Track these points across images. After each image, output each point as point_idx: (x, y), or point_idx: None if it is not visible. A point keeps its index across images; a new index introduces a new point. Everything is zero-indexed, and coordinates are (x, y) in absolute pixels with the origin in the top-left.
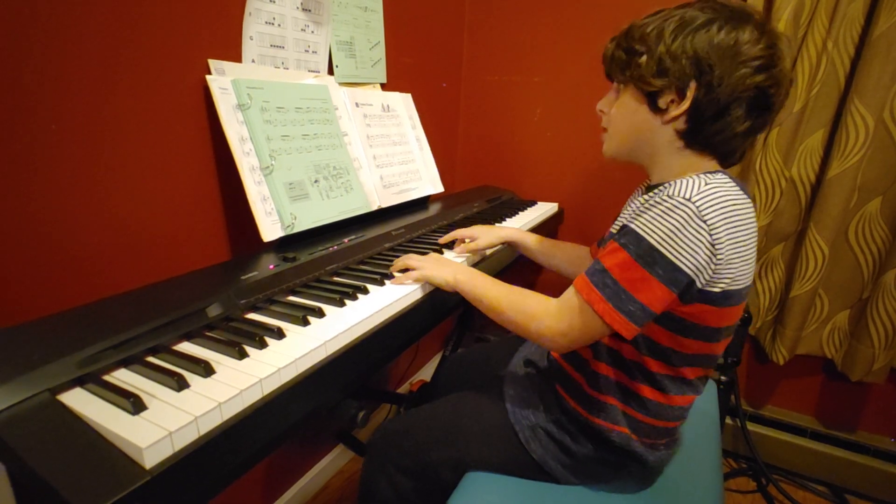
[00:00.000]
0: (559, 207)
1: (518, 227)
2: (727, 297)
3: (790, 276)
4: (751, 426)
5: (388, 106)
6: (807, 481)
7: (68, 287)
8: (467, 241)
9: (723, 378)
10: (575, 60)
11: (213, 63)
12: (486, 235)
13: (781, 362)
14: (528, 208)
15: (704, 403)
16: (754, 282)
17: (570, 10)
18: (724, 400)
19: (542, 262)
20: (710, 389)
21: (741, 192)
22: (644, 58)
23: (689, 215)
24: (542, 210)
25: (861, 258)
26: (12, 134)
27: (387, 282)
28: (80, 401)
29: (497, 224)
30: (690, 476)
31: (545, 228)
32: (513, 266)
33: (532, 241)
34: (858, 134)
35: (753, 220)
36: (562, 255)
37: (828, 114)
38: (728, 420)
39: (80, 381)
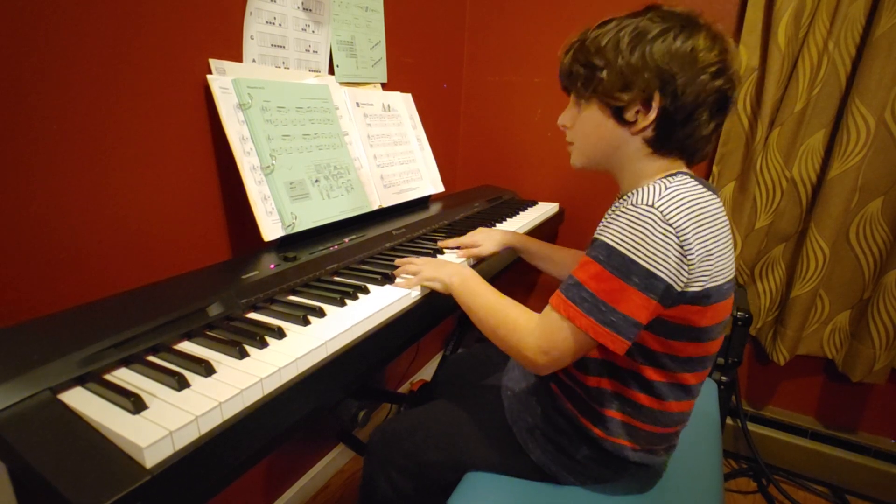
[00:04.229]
0: (559, 207)
1: (519, 226)
2: (708, 296)
3: (791, 276)
4: (751, 426)
5: (388, 106)
6: (807, 482)
7: (69, 286)
8: (469, 248)
9: (723, 378)
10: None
11: (213, 63)
12: (488, 243)
13: (782, 363)
14: (529, 208)
15: (705, 404)
16: (755, 282)
17: (571, 10)
18: (724, 400)
19: (541, 267)
20: (711, 390)
21: (704, 190)
22: (605, 72)
23: (654, 221)
24: (543, 210)
25: (862, 258)
26: (13, 133)
27: (387, 282)
28: (80, 400)
29: (498, 224)
30: (691, 476)
31: (546, 228)
32: (512, 267)
33: (533, 246)
34: (859, 134)
35: (721, 215)
36: (561, 259)
37: (829, 114)
38: (729, 420)
39: (80, 381)
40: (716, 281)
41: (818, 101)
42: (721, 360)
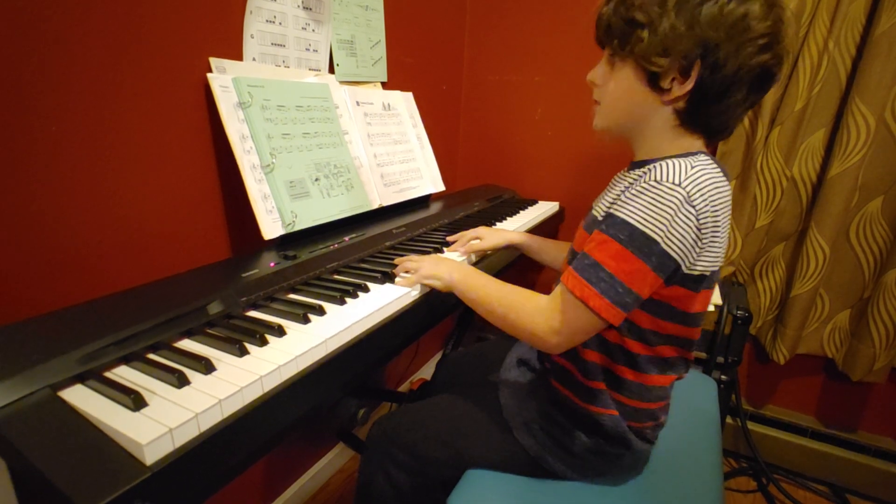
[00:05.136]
0: (560, 206)
1: (519, 225)
2: (702, 279)
3: (791, 275)
4: (751, 426)
5: (388, 104)
6: (807, 481)
7: (70, 284)
8: (472, 241)
9: (723, 377)
10: (576, 60)
11: (214, 61)
12: (491, 237)
13: (782, 362)
14: (529, 207)
15: (705, 403)
16: (755, 281)
17: (571, 9)
18: (724, 399)
19: (546, 263)
20: (711, 389)
21: (721, 174)
22: (646, 32)
23: (679, 201)
24: (543, 209)
25: (862, 258)
26: (14, 132)
27: (387, 280)
28: (80, 397)
29: (498, 223)
30: (691, 476)
31: (546, 227)
32: (513, 265)
33: (536, 243)
34: (860, 133)
35: (730, 201)
36: (563, 254)
37: (829, 113)
38: (729, 420)
39: (80, 378)
40: (714, 266)
41: (818, 101)
42: (721, 359)
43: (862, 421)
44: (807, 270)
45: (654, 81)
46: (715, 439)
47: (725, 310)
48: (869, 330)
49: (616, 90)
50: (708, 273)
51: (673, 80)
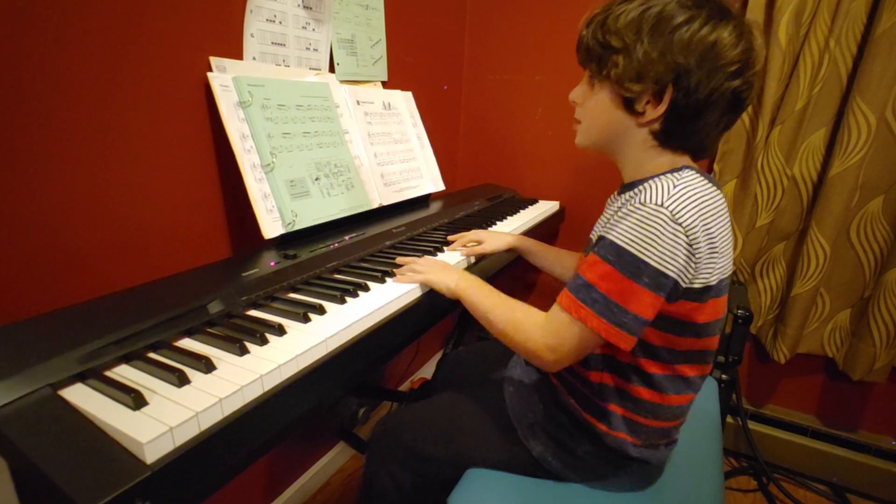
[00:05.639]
0: (560, 206)
1: (519, 224)
2: (708, 291)
3: (791, 274)
4: (752, 425)
5: (389, 104)
6: (808, 480)
7: (70, 284)
8: (472, 244)
9: (724, 377)
10: (576, 59)
11: (214, 60)
12: (491, 241)
13: (783, 361)
14: (529, 206)
15: (705, 402)
16: (755, 280)
17: (571, 9)
18: (725, 399)
19: (544, 268)
20: (711, 388)
21: (709, 186)
22: (621, 58)
23: (664, 221)
24: (544, 208)
25: (863, 257)
26: (14, 132)
27: (388, 279)
28: (81, 396)
29: (498, 223)
30: (691, 475)
31: (546, 227)
32: (512, 267)
33: (535, 247)
34: (860, 132)
35: (725, 211)
36: (566, 262)
37: (830, 112)
38: (729, 419)
39: (81, 377)
40: (717, 276)
41: (819, 100)
42: (721, 359)
43: (862, 420)
44: (807, 270)
45: (629, 105)
46: (715, 438)
47: (726, 309)
48: (869, 329)
49: (594, 111)
50: (713, 283)
51: (647, 103)
